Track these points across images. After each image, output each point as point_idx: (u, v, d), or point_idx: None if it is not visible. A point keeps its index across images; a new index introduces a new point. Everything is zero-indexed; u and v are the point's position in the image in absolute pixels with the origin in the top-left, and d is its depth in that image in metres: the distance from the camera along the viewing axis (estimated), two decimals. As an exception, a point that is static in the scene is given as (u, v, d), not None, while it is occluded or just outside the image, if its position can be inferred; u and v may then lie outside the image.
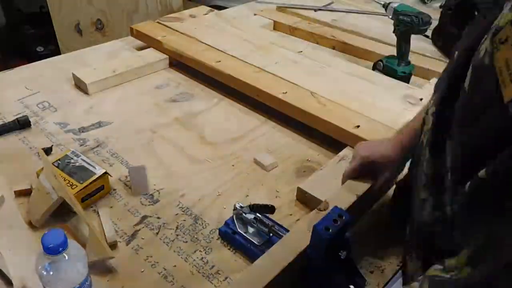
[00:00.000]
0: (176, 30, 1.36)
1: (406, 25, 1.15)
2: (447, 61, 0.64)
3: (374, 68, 1.25)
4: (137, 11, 2.11)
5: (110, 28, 2.09)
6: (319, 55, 1.27)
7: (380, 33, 1.50)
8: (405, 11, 1.15)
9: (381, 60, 1.23)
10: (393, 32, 1.19)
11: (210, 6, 1.65)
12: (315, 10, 1.72)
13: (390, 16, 1.18)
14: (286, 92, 1.05)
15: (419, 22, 1.13)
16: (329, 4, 1.81)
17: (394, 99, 1.06)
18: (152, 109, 1.11)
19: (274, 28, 1.58)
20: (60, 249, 0.55)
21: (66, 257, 0.56)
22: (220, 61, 1.19)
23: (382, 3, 1.22)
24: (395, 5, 1.17)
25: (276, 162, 0.94)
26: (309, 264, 0.63)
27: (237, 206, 0.76)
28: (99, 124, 1.04)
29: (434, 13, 1.78)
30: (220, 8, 1.65)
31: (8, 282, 0.66)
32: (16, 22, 2.42)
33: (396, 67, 1.20)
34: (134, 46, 1.41)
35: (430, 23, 1.14)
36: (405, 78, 1.19)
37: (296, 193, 0.85)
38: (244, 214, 0.75)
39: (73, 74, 1.19)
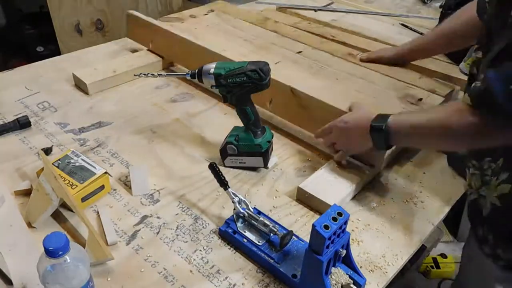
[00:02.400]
0: (167, 30, 1.32)
1: (243, 86, 0.84)
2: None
3: (224, 154, 0.92)
4: (137, 11, 2.11)
5: (110, 28, 2.10)
6: (319, 55, 1.27)
7: (380, 33, 1.50)
8: (232, 71, 0.83)
9: (231, 143, 0.90)
10: (226, 102, 0.89)
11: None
12: (315, 10, 1.72)
13: (214, 86, 0.86)
14: (287, 92, 1.05)
15: (260, 75, 0.82)
16: (329, 4, 1.81)
17: (394, 99, 1.06)
18: (152, 109, 1.11)
19: (274, 28, 1.57)
20: (61, 252, 0.55)
21: (68, 260, 0.56)
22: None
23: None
24: (212, 70, 0.85)
25: (276, 161, 0.94)
26: (308, 263, 0.63)
27: (237, 205, 0.76)
28: (99, 124, 1.04)
29: (434, 13, 1.79)
30: (220, 8, 1.65)
31: (8, 282, 0.66)
32: (16, 22, 2.42)
33: (256, 141, 0.89)
34: (134, 46, 1.40)
35: (269, 70, 0.84)
36: (269, 149, 0.92)
37: (296, 193, 0.86)
38: (245, 214, 0.75)
39: (73, 74, 1.19)
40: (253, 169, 0.93)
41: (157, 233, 0.77)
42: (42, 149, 0.91)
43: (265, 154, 0.90)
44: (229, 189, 0.76)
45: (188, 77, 0.89)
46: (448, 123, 0.67)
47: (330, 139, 0.90)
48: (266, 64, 0.84)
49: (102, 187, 0.83)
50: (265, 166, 0.92)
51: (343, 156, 0.89)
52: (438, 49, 1.19)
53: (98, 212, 0.80)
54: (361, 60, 1.23)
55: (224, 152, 0.92)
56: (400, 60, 1.22)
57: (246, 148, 0.90)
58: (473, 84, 0.63)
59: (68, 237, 0.57)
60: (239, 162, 0.92)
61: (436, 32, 1.12)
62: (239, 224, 0.76)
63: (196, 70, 0.87)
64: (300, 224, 0.81)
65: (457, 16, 1.04)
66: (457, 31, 1.04)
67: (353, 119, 0.85)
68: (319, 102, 0.96)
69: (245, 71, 0.83)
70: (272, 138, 0.92)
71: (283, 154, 0.98)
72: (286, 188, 0.89)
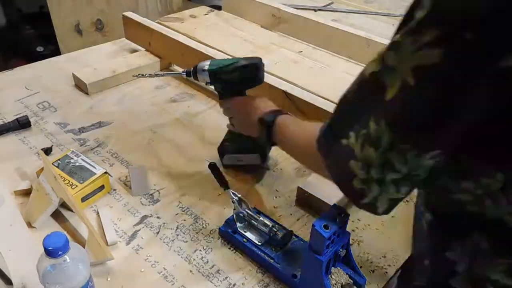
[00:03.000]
0: (162, 33, 1.29)
1: (237, 82, 0.84)
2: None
3: (222, 153, 0.92)
4: (137, 11, 2.11)
5: (110, 28, 2.09)
6: (319, 55, 1.27)
7: (380, 33, 1.50)
8: (225, 67, 0.83)
9: (227, 141, 0.91)
10: (221, 99, 0.89)
11: (210, 6, 1.66)
12: (315, 10, 1.72)
13: (209, 83, 0.86)
14: (287, 92, 1.05)
15: (253, 70, 0.83)
16: (329, 4, 1.81)
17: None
18: (152, 109, 1.11)
19: (274, 28, 1.57)
20: (61, 252, 0.55)
21: (68, 260, 0.56)
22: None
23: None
24: (206, 67, 0.84)
25: (277, 160, 0.94)
26: (308, 263, 0.63)
27: (237, 205, 0.76)
28: (99, 124, 1.04)
29: (434, 13, 1.79)
30: (220, 8, 1.65)
31: (8, 282, 0.66)
32: (16, 22, 2.41)
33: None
34: (133, 46, 1.40)
35: (263, 65, 0.85)
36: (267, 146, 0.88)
37: (296, 193, 0.86)
38: (245, 214, 0.75)
39: (73, 74, 1.19)
40: (253, 169, 0.93)
41: (157, 233, 0.77)
42: (42, 149, 0.91)
43: (262, 151, 0.89)
44: (229, 189, 0.76)
45: (184, 75, 0.89)
46: (307, 150, 0.60)
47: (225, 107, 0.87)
48: (260, 59, 0.84)
49: (102, 187, 0.83)
50: (263, 164, 0.91)
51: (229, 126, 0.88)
52: None
53: (98, 212, 0.80)
54: None
55: (221, 150, 0.92)
56: None
57: (242, 145, 0.89)
58: None
59: (68, 237, 0.57)
60: (237, 160, 0.91)
61: None
62: (239, 224, 0.76)
63: (192, 68, 0.88)
64: (300, 224, 0.81)
65: None
66: None
67: (251, 102, 0.81)
68: (313, 106, 0.94)
69: (238, 66, 0.83)
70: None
71: (283, 154, 0.98)
72: (286, 188, 0.88)
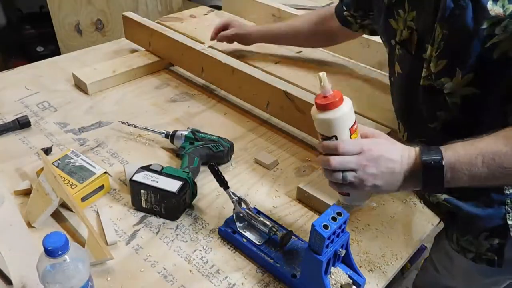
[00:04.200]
0: (162, 33, 1.27)
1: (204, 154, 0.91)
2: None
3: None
4: (137, 11, 2.11)
5: (110, 28, 2.09)
6: (319, 55, 1.27)
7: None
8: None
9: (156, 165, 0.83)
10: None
11: (210, 6, 1.66)
12: (315, 10, 1.71)
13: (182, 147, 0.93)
14: (287, 92, 1.05)
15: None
16: (329, 4, 1.81)
17: (393, 99, 1.06)
18: (152, 109, 1.11)
19: (274, 28, 1.57)
20: (60, 252, 0.55)
21: (68, 260, 0.56)
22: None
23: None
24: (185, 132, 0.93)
25: (277, 160, 0.95)
26: (307, 263, 0.63)
27: (237, 205, 0.76)
28: (99, 124, 1.05)
29: (434, 13, 1.79)
30: (220, 8, 1.65)
31: (8, 281, 0.66)
32: (16, 22, 2.42)
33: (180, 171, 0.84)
34: (133, 46, 1.40)
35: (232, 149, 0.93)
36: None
37: (296, 192, 0.86)
38: (244, 214, 0.75)
39: (73, 74, 1.19)
40: (253, 169, 0.93)
41: (157, 233, 0.77)
42: (42, 149, 0.91)
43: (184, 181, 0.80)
44: (229, 189, 0.77)
45: (163, 136, 0.96)
46: None
47: (344, 165, 0.62)
48: (229, 146, 0.92)
49: (102, 187, 0.83)
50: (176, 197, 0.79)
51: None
52: (287, 41, 1.18)
53: (97, 212, 0.80)
54: (218, 40, 1.23)
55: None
56: (246, 39, 1.20)
57: (169, 170, 0.82)
58: None
59: (68, 237, 0.57)
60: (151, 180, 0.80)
61: (289, 25, 1.11)
62: (238, 224, 0.76)
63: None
64: (300, 224, 0.81)
65: (314, 14, 1.03)
66: (302, 31, 1.04)
67: (382, 149, 0.62)
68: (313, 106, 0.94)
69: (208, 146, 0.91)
70: (193, 190, 0.83)
71: (283, 154, 0.98)
72: (286, 188, 0.89)
